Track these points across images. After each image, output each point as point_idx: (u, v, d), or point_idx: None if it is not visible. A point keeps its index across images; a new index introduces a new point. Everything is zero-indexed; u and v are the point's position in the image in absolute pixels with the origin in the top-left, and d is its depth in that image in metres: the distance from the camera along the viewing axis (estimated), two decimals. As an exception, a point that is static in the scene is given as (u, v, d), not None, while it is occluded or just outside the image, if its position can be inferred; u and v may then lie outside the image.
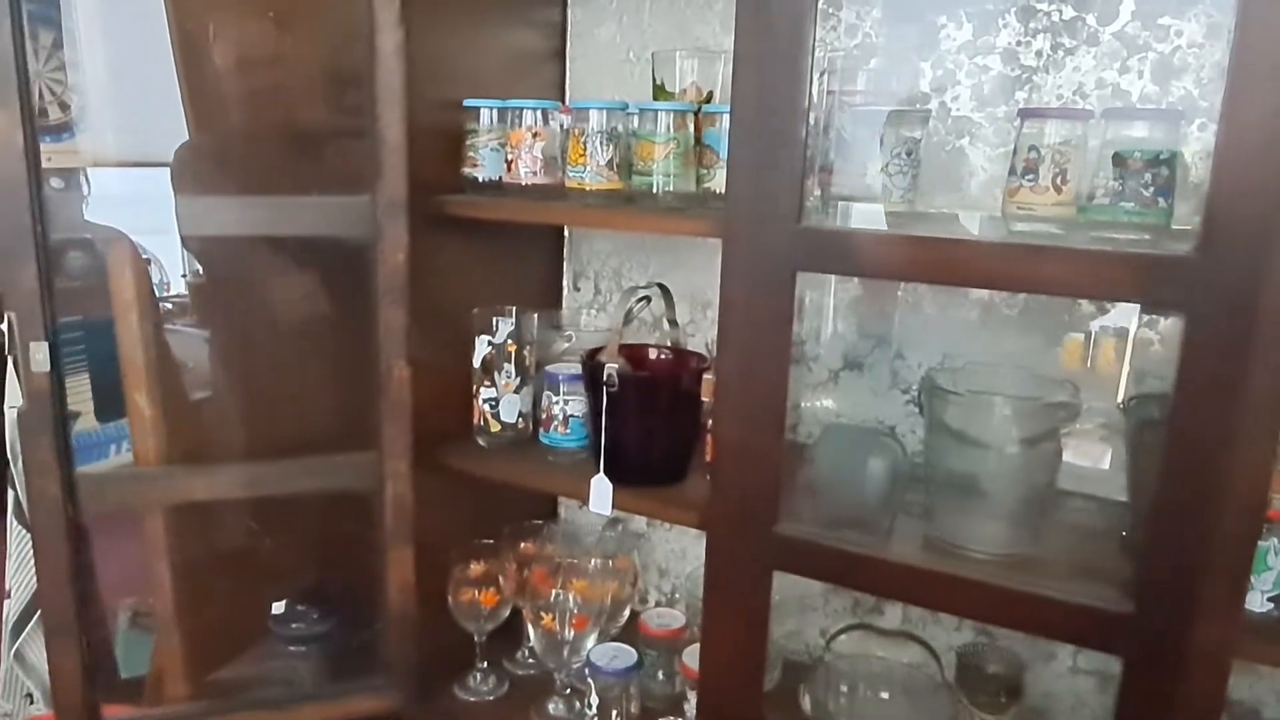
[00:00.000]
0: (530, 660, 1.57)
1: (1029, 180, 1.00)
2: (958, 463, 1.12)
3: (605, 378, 1.22)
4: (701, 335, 1.58)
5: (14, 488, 2.41)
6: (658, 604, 1.74)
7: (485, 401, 1.40)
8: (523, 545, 1.53)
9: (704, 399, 1.28)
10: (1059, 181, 0.99)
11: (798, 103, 1.00)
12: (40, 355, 1.13)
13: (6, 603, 2.34)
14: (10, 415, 2.43)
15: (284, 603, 1.45)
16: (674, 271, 1.59)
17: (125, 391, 1.27)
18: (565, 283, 1.71)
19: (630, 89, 1.57)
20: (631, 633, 1.51)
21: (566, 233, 1.69)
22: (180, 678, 1.48)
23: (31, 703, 2.37)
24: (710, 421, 1.28)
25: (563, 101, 1.60)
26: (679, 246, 1.59)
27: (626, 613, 1.53)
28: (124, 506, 1.31)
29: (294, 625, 1.43)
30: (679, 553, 1.72)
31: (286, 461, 1.31)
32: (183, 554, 1.41)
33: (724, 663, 1.20)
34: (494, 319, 1.39)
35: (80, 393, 1.72)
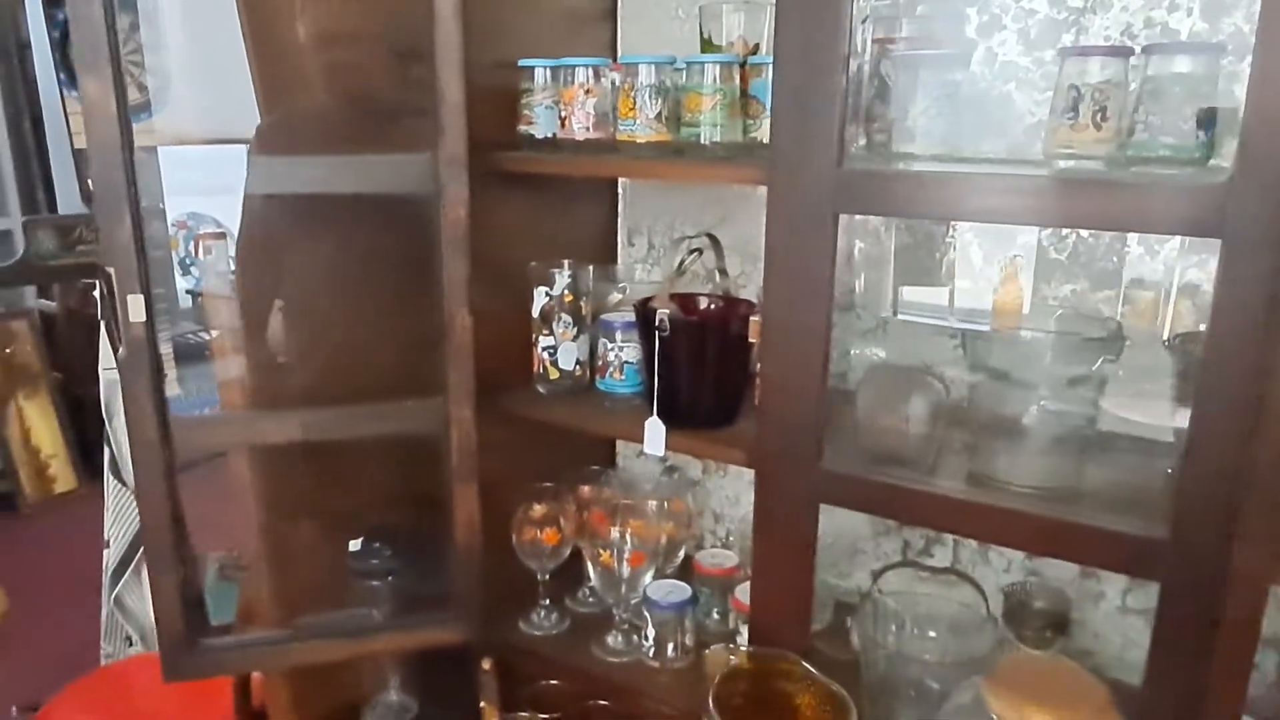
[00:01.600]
0: (590, 599, 1.65)
1: (1069, 119, 1.02)
2: (998, 400, 1.15)
3: (657, 323, 1.28)
4: (753, 286, 1.61)
5: (110, 445, 2.57)
6: (714, 547, 1.80)
7: (544, 350, 1.47)
8: (582, 489, 1.60)
9: (753, 344, 1.33)
10: (1099, 119, 1.00)
11: (838, 50, 1.04)
12: (137, 306, 1.23)
13: (106, 552, 2.52)
14: (105, 378, 2.59)
15: (360, 541, 1.55)
16: (725, 225, 1.63)
17: (213, 347, 1.36)
18: (620, 238, 1.77)
19: (680, 45, 1.60)
20: (687, 573, 1.58)
21: (621, 189, 1.74)
22: (265, 611, 1.59)
23: (130, 645, 2.55)
24: (759, 366, 1.33)
25: (614, 61, 1.64)
26: (730, 200, 1.63)
27: (682, 553, 1.59)
28: (211, 447, 1.41)
29: (371, 561, 1.52)
30: (733, 499, 1.78)
31: (359, 406, 1.39)
32: (267, 498, 1.51)
33: (774, 593, 1.26)
34: (551, 271, 1.45)
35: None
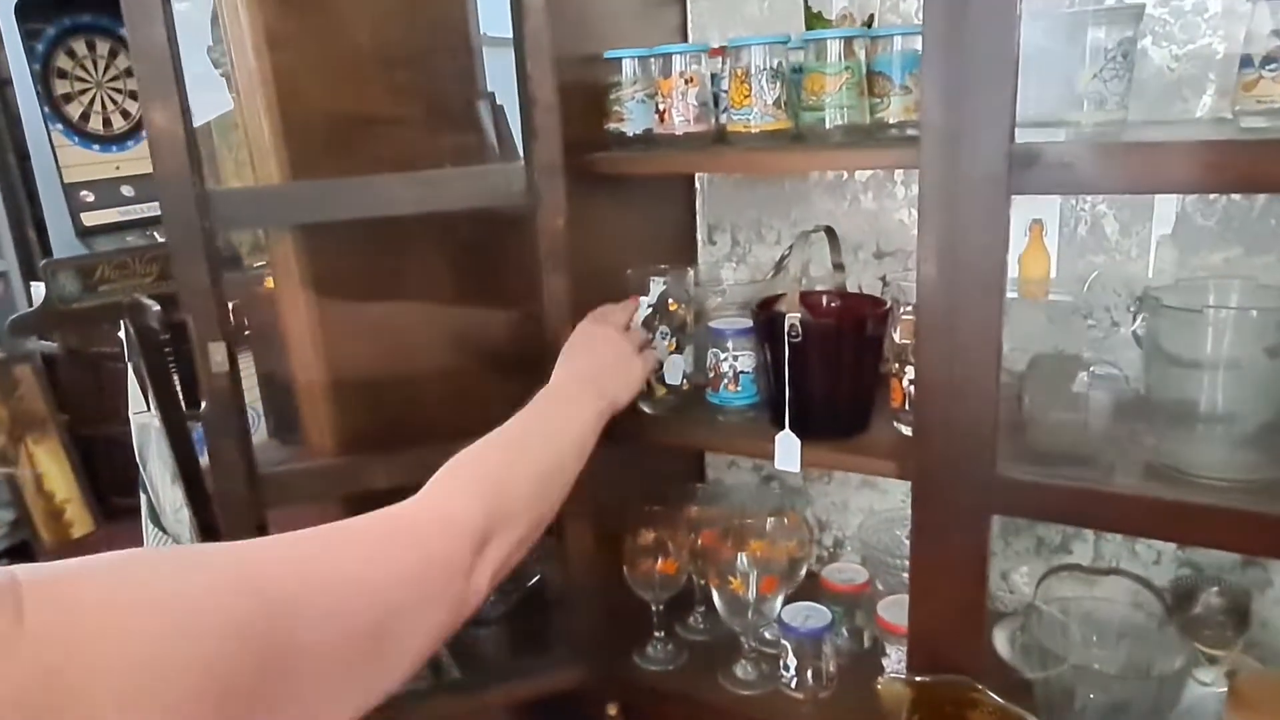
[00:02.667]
0: (703, 626, 1.54)
1: (1270, 70, 0.91)
2: (1186, 385, 1.04)
3: (788, 328, 1.17)
4: (854, 277, 1.51)
5: (145, 492, 2.43)
6: (819, 559, 1.70)
7: (648, 365, 1.36)
8: (690, 509, 1.49)
9: (899, 341, 1.21)
10: (1310, 67, 0.89)
11: (1007, 12, 0.92)
12: (219, 356, 1.11)
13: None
14: (136, 422, 2.46)
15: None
16: (820, 216, 1.52)
17: (295, 384, 1.24)
18: (699, 236, 1.65)
19: (758, 24, 1.49)
20: (811, 591, 1.47)
21: (699, 184, 1.63)
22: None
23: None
24: (895, 366, 1.23)
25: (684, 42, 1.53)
26: (821, 190, 1.52)
27: (803, 571, 1.48)
28: (305, 500, 1.29)
29: (475, 607, 1.41)
30: (840, 505, 1.67)
31: (461, 441, 1.27)
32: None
33: (938, 615, 1.15)
34: (649, 279, 1.34)
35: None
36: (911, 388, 1.17)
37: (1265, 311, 1.01)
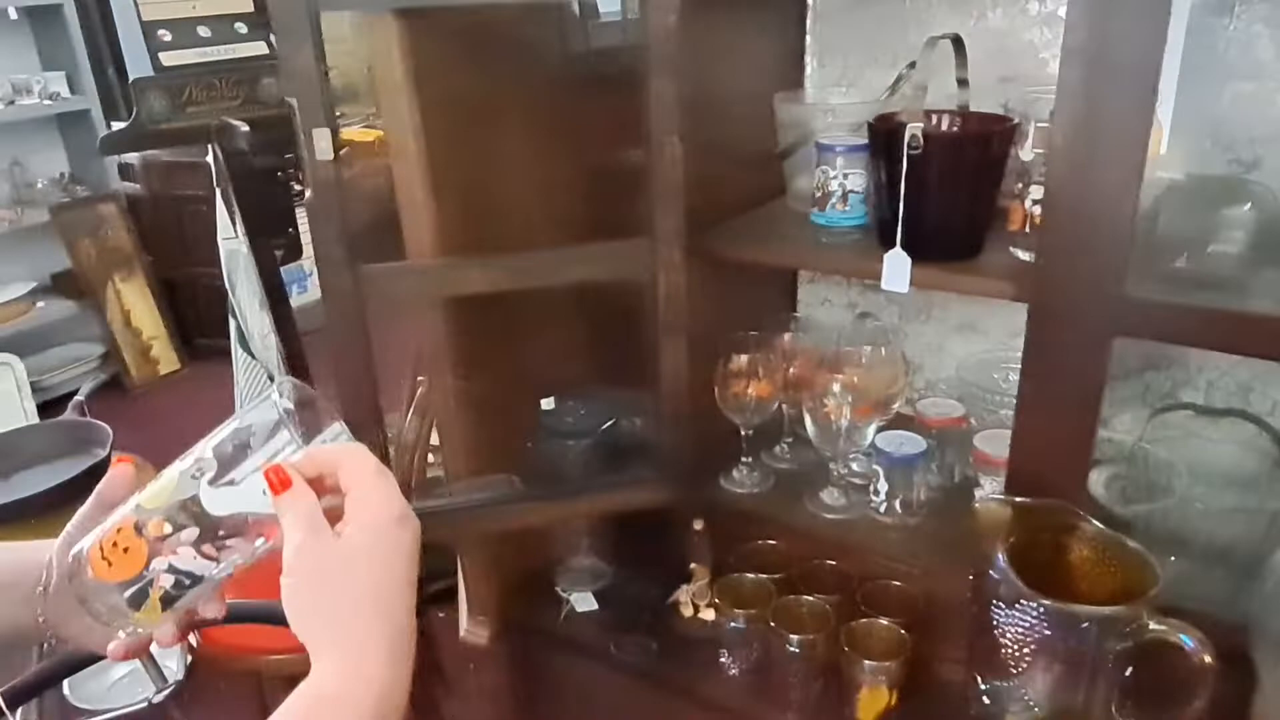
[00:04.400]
0: (789, 456, 1.54)
1: None
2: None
3: (909, 139, 1.10)
4: (975, 104, 1.42)
5: (235, 317, 2.50)
6: (908, 401, 1.67)
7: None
8: (784, 338, 1.47)
9: (1024, 159, 1.15)
10: None
11: None
12: (324, 143, 1.09)
13: (242, 426, 2.48)
14: (224, 248, 2.50)
15: (552, 400, 1.45)
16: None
17: (398, 185, 1.23)
18: (809, 60, 1.57)
19: None
20: (901, 425, 1.45)
21: (811, 1, 1.53)
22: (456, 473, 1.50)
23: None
24: (1019, 186, 1.16)
25: None
26: (945, 6, 1.42)
27: (896, 406, 1.46)
28: (404, 299, 1.30)
29: (566, 420, 1.43)
30: (935, 347, 1.63)
31: (558, 250, 1.26)
32: (448, 355, 1.40)
33: (1045, 442, 1.12)
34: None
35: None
36: (1036, 208, 1.11)
37: None
